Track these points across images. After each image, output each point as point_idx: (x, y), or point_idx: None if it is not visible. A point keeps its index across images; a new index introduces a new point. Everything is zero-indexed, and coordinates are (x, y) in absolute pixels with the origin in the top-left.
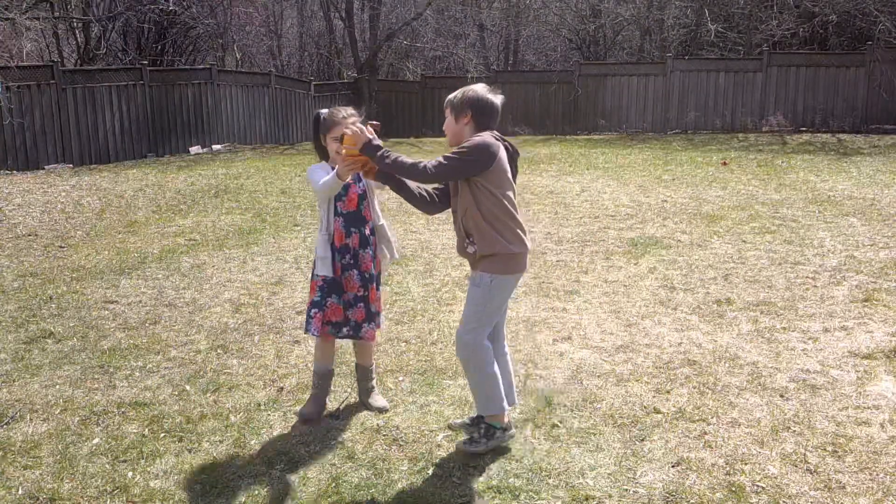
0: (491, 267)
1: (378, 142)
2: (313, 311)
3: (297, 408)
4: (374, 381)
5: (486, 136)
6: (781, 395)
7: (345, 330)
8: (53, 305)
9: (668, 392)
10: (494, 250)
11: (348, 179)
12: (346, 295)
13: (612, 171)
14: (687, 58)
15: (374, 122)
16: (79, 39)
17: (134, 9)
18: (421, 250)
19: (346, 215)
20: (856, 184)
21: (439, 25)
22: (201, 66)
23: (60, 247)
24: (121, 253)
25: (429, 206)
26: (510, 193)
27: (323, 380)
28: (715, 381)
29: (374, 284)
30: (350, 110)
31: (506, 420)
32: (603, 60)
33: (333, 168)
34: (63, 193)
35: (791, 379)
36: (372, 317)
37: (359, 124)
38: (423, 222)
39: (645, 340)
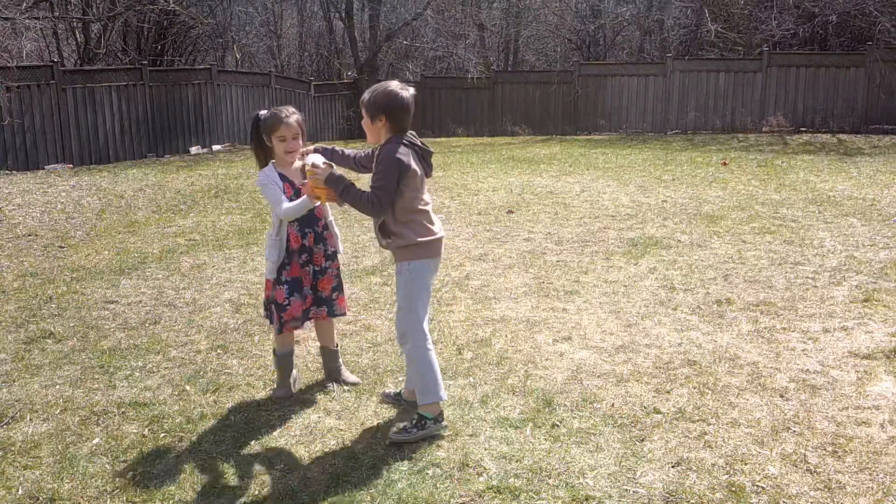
0: (407, 255)
1: (338, 173)
2: (273, 307)
3: (296, 407)
4: (340, 361)
5: (395, 147)
6: (781, 395)
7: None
8: (53, 305)
9: (668, 392)
10: (404, 243)
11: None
12: (304, 290)
13: (612, 171)
14: (687, 58)
15: (317, 146)
16: (79, 39)
17: (134, 8)
18: None
19: (300, 219)
20: (856, 184)
21: (439, 25)
22: (201, 66)
23: (60, 247)
24: (121, 253)
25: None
26: (419, 192)
27: (285, 360)
28: (715, 381)
29: (324, 276)
30: (291, 109)
31: (439, 410)
32: (603, 60)
33: (280, 172)
34: (63, 193)
35: (791, 379)
36: (321, 301)
37: (313, 159)
38: None
39: (645, 340)
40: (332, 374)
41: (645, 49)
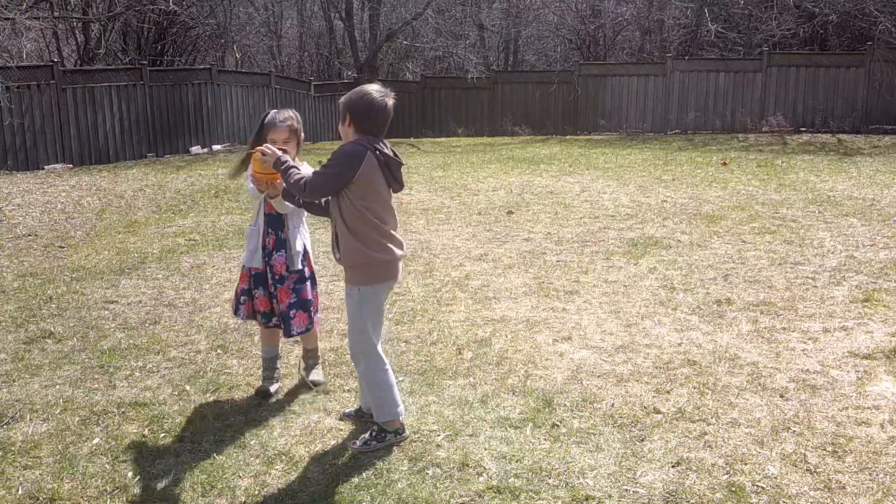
0: (356, 279)
1: (285, 158)
2: (243, 297)
3: (296, 408)
4: (316, 360)
5: (351, 146)
6: (781, 395)
7: (274, 320)
8: (53, 305)
9: (668, 392)
10: (355, 261)
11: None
12: (267, 290)
13: (612, 171)
14: (687, 58)
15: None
16: (79, 39)
17: (134, 9)
18: (421, 250)
19: (268, 216)
20: (856, 184)
21: (439, 25)
22: (201, 66)
23: (60, 247)
24: (121, 253)
25: (326, 210)
26: (375, 204)
27: (270, 363)
28: (715, 381)
29: (282, 286)
30: (290, 113)
31: (398, 424)
32: (603, 60)
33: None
34: (63, 193)
35: (791, 379)
36: (281, 316)
37: (266, 146)
38: (422, 222)
39: (645, 340)
40: (303, 369)
41: (645, 49)
